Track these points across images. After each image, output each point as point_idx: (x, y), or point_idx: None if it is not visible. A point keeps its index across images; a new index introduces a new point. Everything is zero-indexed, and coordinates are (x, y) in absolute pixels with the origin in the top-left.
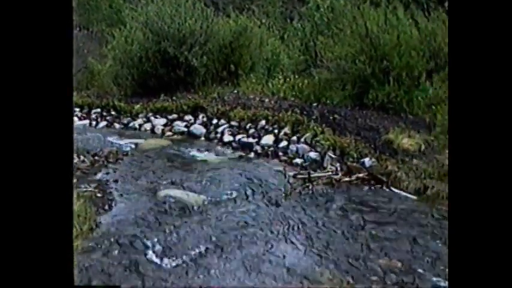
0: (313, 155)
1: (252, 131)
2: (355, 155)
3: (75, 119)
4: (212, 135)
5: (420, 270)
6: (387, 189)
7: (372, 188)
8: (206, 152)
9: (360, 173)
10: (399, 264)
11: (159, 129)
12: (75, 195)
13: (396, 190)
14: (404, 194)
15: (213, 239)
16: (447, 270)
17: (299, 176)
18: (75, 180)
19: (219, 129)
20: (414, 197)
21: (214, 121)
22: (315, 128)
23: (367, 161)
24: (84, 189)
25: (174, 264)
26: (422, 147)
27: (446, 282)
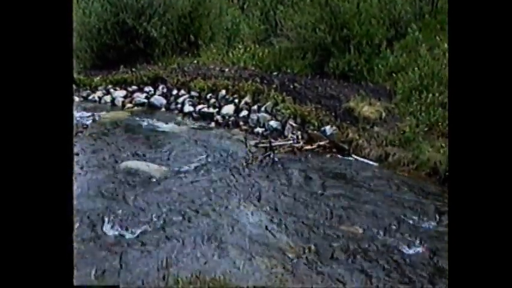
0: (274, 123)
1: (212, 101)
2: (316, 124)
3: None
4: (172, 106)
5: (381, 236)
6: (349, 157)
7: (334, 155)
8: (167, 123)
9: (321, 141)
10: (360, 231)
11: (119, 101)
12: None
13: (358, 157)
14: (365, 161)
15: (175, 209)
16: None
17: (260, 145)
18: None
19: (180, 100)
20: (376, 164)
21: (175, 92)
22: (276, 97)
23: (328, 129)
24: None
25: (136, 234)
26: (383, 114)
27: (405, 247)
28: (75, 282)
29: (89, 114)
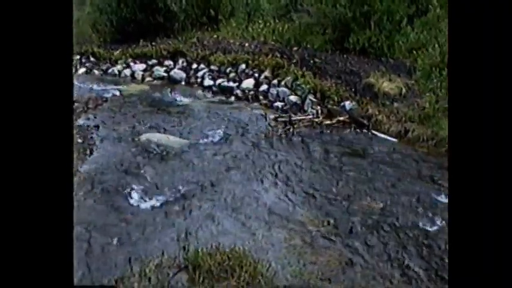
0: (293, 98)
1: (232, 75)
2: (335, 99)
3: None
4: (192, 79)
5: (401, 211)
6: (368, 132)
7: (353, 131)
8: (187, 97)
9: (340, 116)
10: (380, 205)
11: (139, 74)
12: None
13: (377, 133)
14: (384, 136)
15: (195, 181)
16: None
17: (280, 119)
18: None
19: (199, 74)
20: (395, 140)
21: (194, 66)
22: (296, 71)
23: (347, 104)
24: None
25: (156, 206)
26: (403, 91)
27: (426, 223)
28: (97, 248)
29: (109, 87)
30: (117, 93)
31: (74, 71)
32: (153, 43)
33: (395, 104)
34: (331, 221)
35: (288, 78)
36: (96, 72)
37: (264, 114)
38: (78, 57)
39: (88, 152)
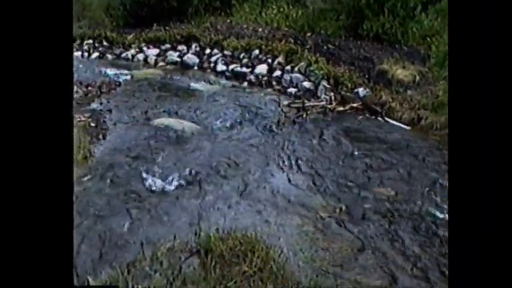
0: (307, 84)
1: (245, 60)
2: (349, 85)
3: None
4: (205, 64)
5: (413, 198)
6: (381, 119)
7: (366, 117)
8: (200, 82)
9: (353, 102)
10: (393, 193)
11: (152, 59)
12: None
13: (390, 120)
14: (398, 124)
15: (207, 165)
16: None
17: (293, 105)
18: None
19: (212, 59)
20: (408, 127)
21: (208, 51)
22: (309, 57)
23: (361, 91)
24: (78, 119)
25: (168, 189)
26: (417, 78)
27: (438, 212)
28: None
29: (122, 72)
30: (130, 77)
31: (87, 55)
32: (167, 28)
33: (409, 92)
34: (344, 208)
35: (302, 64)
36: (109, 56)
37: (277, 100)
38: (91, 41)
39: (101, 136)
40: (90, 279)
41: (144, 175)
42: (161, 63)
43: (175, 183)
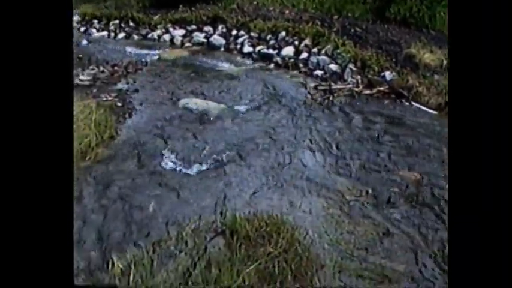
0: (333, 67)
1: (272, 42)
2: (376, 68)
3: (93, 30)
4: (232, 46)
5: (440, 183)
6: (408, 104)
7: (393, 101)
8: (226, 63)
9: (380, 86)
10: (419, 177)
11: (178, 40)
12: (95, 105)
13: (417, 104)
14: (424, 108)
15: (233, 146)
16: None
17: (319, 88)
18: (95, 90)
19: (239, 40)
20: (435, 112)
21: (234, 32)
22: (336, 40)
23: (388, 74)
24: (104, 98)
25: (193, 170)
26: (444, 63)
27: None
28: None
29: (148, 52)
30: (156, 58)
31: (113, 35)
32: (193, 8)
33: (436, 76)
34: (370, 191)
35: (328, 46)
36: (135, 37)
37: (303, 82)
38: (117, 21)
39: (127, 115)
40: (114, 258)
41: (170, 155)
42: (187, 44)
43: (200, 163)
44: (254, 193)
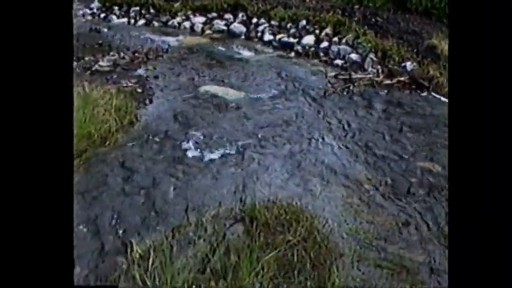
0: (354, 56)
1: (292, 30)
2: (396, 59)
3: (114, 17)
4: (252, 34)
5: None
6: (428, 94)
7: (413, 92)
8: (246, 51)
9: (401, 76)
10: (438, 168)
11: (198, 27)
12: (115, 91)
13: (437, 95)
14: (444, 99)
15: (253, 134)
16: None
17: (340, 77)
18: (115, 76)
19: (259, 29)
20: None
21: (255, 20)
22: (357, 29)
23: (408, 65)
24: (125, 84)
25: (213, 156)
26: None
27: None
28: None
29: (169, 39)
30: (177, 45)
31: (133, 22)
32: None
33: None
34: (389, 181)
35: (349, 36)
36: (155, 24)
37: (323, 71)
38: (137, 8)
39: (147, 101)
40: (134, 243)
41: (189, 142)
42: (208, 32)
43: (220, 150)
44: (274, 181)
